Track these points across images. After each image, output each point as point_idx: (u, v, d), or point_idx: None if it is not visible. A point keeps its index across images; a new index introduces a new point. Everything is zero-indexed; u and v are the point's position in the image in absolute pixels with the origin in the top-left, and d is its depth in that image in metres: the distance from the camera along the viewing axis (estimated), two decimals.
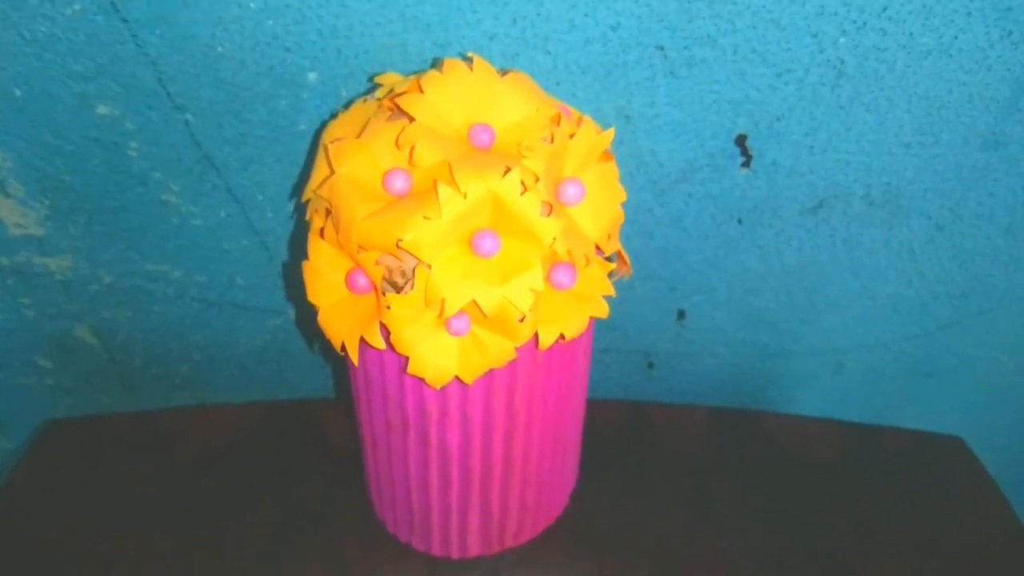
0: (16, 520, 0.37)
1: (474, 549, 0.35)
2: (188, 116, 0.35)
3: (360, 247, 0.26)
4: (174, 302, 0.43)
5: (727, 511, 0.38)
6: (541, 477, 0.34)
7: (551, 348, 0.28)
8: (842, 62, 0.33)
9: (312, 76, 0.33)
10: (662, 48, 0.33)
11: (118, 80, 0.34)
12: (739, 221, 0.40)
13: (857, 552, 0.36)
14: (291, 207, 0.39)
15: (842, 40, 0.33)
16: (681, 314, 0.45)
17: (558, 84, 0.34)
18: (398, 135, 0.26)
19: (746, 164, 0.37)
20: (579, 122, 0.28)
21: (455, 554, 0.35)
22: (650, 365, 0.49)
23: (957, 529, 0.38)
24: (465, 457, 0.31)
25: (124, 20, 0.32)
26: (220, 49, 0.33)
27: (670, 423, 0.44)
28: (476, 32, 0.32)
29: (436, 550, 0.35)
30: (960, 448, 0.43)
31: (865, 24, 0.32)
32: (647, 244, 0.41)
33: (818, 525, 0.38)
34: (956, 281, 0.43)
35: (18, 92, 0.34)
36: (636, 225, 0.40)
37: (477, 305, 0.26)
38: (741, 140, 0.36)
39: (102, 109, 0.35)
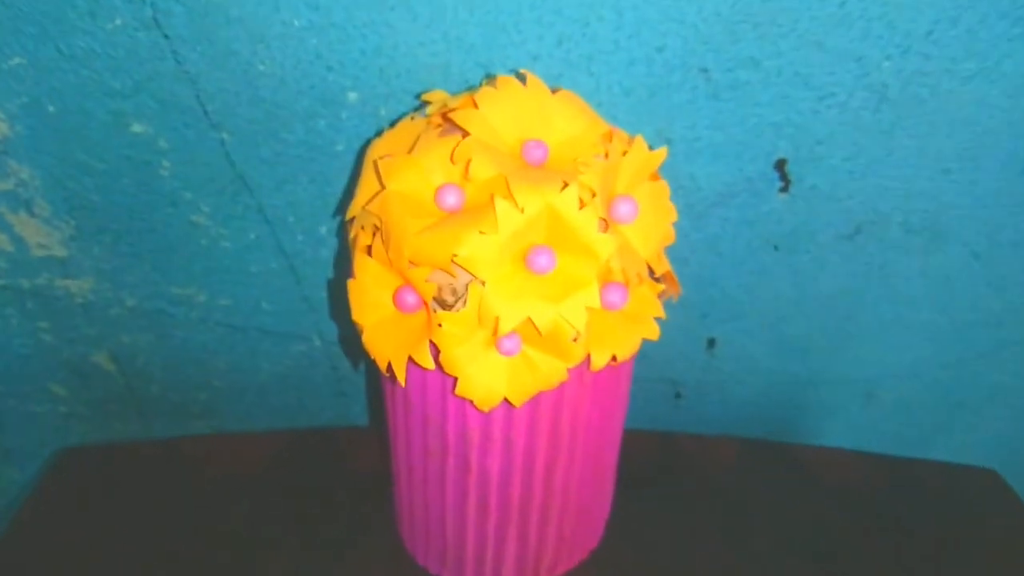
0: (28, 554, 0.35)
1: None
2: (224, 135, 0.35)
3: (411, 263, 0.25)
4: (196, 326, 0.42)
5: (763, 545, 0.37)
6: (580, 506, 0.33)
7: (598, 371, 0.27)
8: (885, 86, 0.33)
9: (352, 96, 0.33)
10: (706, 70, 0.33)
11: (155, 97, 0.33)
12: (775, 247, 0.39)
13: None
14: (323, 230, 0.38)
15: (886, 64, 0.33)
16: (711, 342, 0.45)
17: (599, 105, 0.33)
18: (452, 150, 0.25)
19: (784, 189, 0.37)
20: (630, 141, 0.28)
21: None
22: (677, 396, 0.48)
23: (994, 564, 0.37)
24: (505, 484, 0.31)
25: (165, 36, 0.32)
26: (261, 67, 0.32)
27: (701, 454, 0.43)
28: (520, 52, 0.32)
29: None
30: (995, 480, 0.43)
31: (909, 48, 0.32)
32: (681, 270, 0.40)
33: (854, 559, 0.37)
34: (992, 309, 0.43)
35: (52, 108, 0.34)
36: (671, 250, 0.39)
37: (531, 323, 0.25)
38: (781, 164, 0.36)
39: (137, 127, 0.34)
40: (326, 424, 0.47)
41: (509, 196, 0.24)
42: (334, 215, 0.37)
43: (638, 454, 0.41)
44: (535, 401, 0.28)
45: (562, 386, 0.27)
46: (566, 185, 0.25)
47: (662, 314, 0.29)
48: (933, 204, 0.38)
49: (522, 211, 0.24)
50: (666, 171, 0.36)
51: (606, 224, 0.26)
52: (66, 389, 0.46)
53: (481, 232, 0.24)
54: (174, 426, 0.47)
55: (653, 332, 0.28)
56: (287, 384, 0.45)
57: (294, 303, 0.41)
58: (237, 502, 0.38)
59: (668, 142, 0.35)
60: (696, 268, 0.40)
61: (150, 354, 0.44)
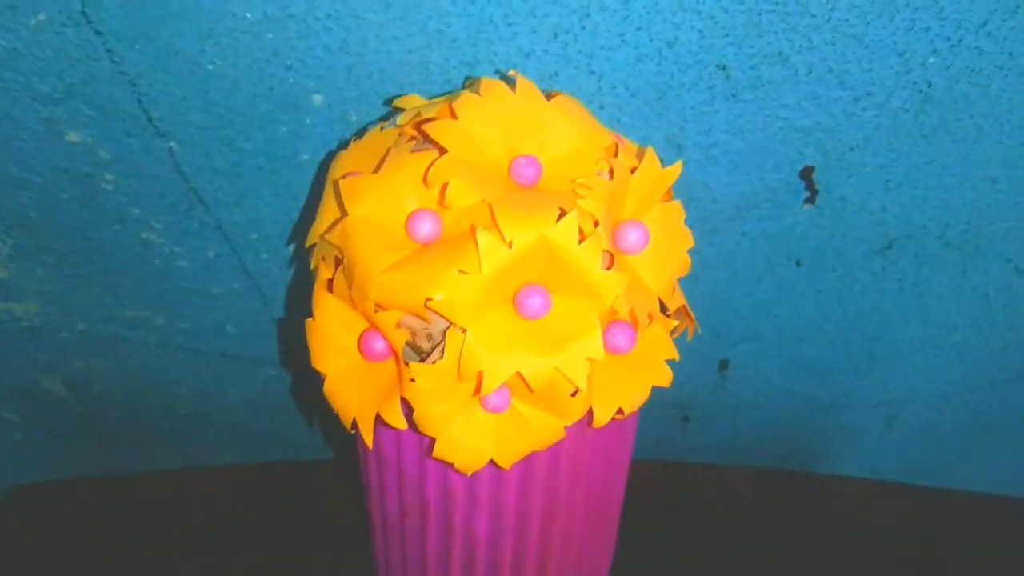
0: None
1: None
2: (172, 144, 0.31)
3: (378, 305, 0.21)
4: (155, 351, 0.39)
5: None
6: (580, 563, 0.30)
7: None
8: (929, 85, 0.29)
9: (317, 99, 0.29)
10: (724, 67, 0.28)
11: (91, 103, 0.29)
12: (797, 263, 0.35)
13: None
14: (290, 248, 0.34)
15: (932, 60, 0.29)
16: (724, 364, 0.41)
17: (601, 108, 0.30)
18: (426, 170, 0.21)
19: (810, 200, 0.33)
20: (639, 153, 0.24)
21: None
22: (685, 419, 0.44)
23: None
24: (494, 547, 0.27)
25: (98, 33, 0.28)
26: (210, 67, 0.28)
27: (714, 486, 0.40)
28: (510, 48, 0.28)
29: None
30: None
31: (960, 41, 0.28)
32: (691, 288, 0.36)
33: None
34: None
35: None
36: None
37: (521, 378, 0.21)
38: (807, 173, 0.32)
39: (73, 136, 0.30)
40: (303, 454, 0.44)
41: (494, 226, 0.20)
42: (289, 240, 0.33)
43: (645, 486, 0.38)
44: (528, 459, 0.24)
45: (559, 442, 0.23)
46: (563, 213, 0.21)
47: (676, 355, 0.25)
48: (975, 216, 0.34)
49: (510, 245, 0.20)
50: (677, 181, 0.32)
51: (611, 256, 0.22)
52: (19, 416, 0.42)
53: (460, 271, 0.20)
54: (137, 455, 0.44)
55: (665, 378, 0.24)
56: (257, 411, 0.42)
57: (262, 326, 0.38)
58: (200, 548, 0.35)
59: (680, 149, 0.31)
60: (708, 285, 0.37)
61: (107, 380, 0.40)
